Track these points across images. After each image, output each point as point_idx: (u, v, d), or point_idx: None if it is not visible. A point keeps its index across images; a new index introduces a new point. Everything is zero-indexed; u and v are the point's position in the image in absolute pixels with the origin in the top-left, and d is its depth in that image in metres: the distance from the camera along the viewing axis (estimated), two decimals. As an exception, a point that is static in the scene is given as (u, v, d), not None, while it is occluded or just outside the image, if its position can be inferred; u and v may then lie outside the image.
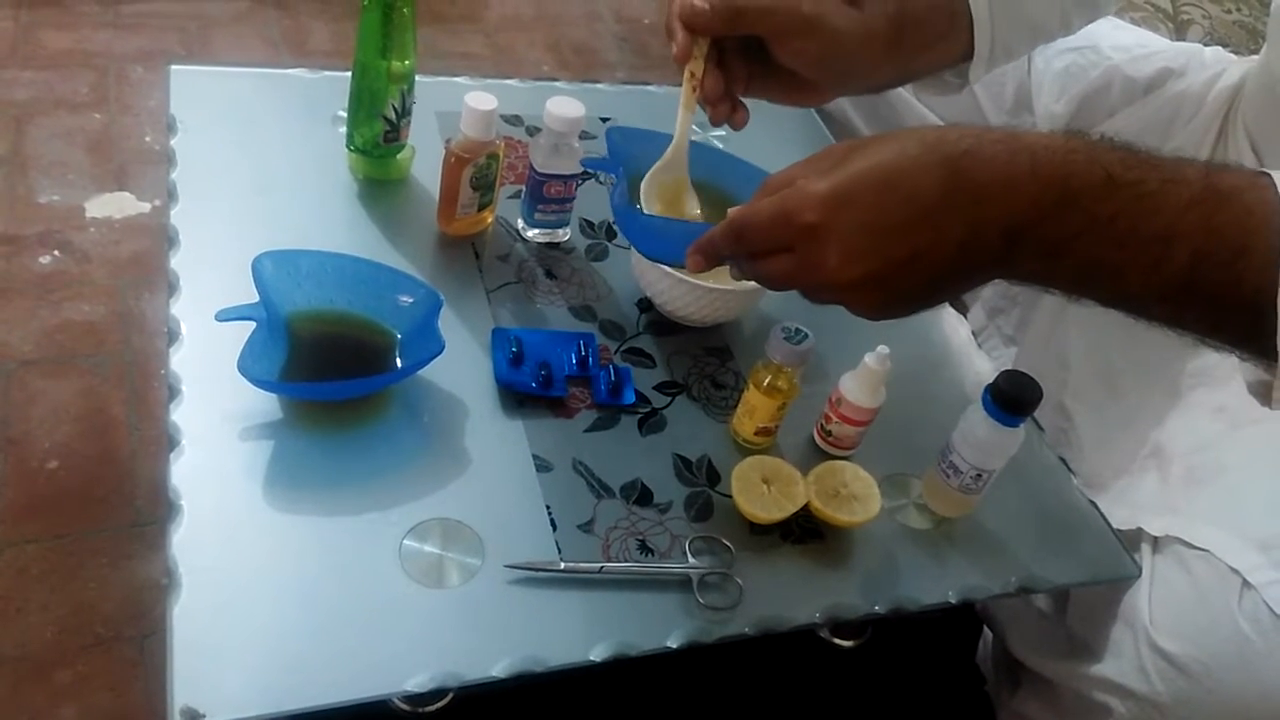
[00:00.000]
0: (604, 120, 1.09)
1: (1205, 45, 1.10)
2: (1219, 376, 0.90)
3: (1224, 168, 0.52)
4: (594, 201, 1.00)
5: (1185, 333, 0.55)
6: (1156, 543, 0.81)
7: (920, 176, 0.54)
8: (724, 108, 0.75)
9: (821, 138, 1.17)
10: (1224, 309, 0.52)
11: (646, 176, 0.80)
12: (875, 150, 0.56)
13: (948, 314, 1.01)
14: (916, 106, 1.14)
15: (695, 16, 0.72)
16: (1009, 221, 0.53)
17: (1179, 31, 1.56)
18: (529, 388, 0.81)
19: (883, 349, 0.79)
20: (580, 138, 0.90)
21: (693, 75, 0.75)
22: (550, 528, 0.73)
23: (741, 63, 0.76)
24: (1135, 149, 0.53)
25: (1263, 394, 0.55)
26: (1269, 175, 0.50)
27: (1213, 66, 1.04)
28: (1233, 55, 1.08)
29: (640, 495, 0.77)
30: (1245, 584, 0.74)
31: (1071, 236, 0.52)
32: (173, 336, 0.77)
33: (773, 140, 1.14)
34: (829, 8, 0.73)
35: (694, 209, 0.82)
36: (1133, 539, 0.83)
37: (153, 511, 1.09)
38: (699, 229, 0.65)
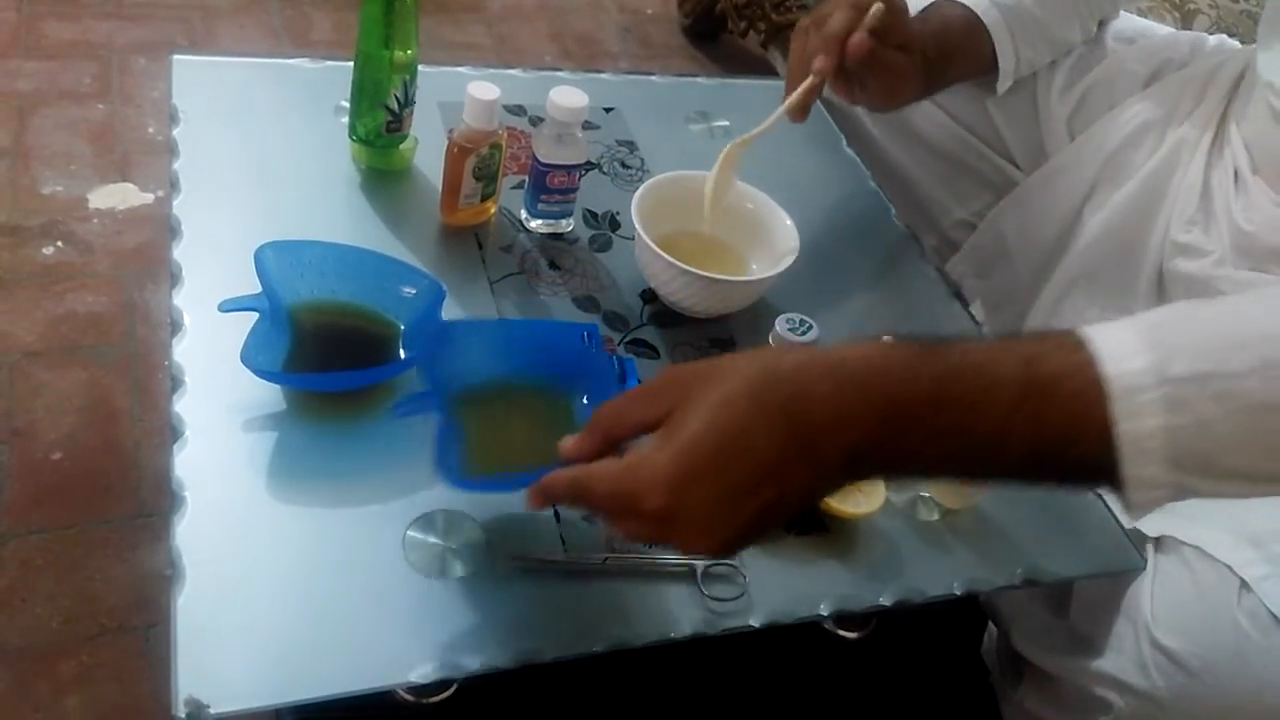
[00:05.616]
0: (607, 110, 1.08)
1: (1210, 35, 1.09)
2: None
3: (1042, 354, 0.50)
4: (597, 192, 1.00)
5: None
6: (1159, 540, 0.81)
7: (756, 435, 0.53)
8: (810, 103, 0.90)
9: (831, 134, 1.16)
10: (1071, 483, 0.53)
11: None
12: (704, 405, 0.55)
13: (952, 307, 1.00)
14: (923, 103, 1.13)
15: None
16: (848, 452, 0.53)
17: (1185, 21, 1.55)
18: (532, 379, 0.80)
19: (887, 340, 0.78)
20: (584, 128, 0.90)
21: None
22: (554, 519, 0.73)
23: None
24: (950, 354, 0.52)
25: None
26: (1086, 349, 0.49)
27: (1215, 56, 1.04)
28: (1236, 43, 1.08)
29: (644, 487, 0.77)
30: (1245, 582, 0.74)
31: (910, 451, 0.52)
32: (175, 327, 0.77)
33: (783, 138, 1.14)
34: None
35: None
36: (1133, 538, 0.83)
37: (157, 502, 1.09)
38: (530, 479, 0.61)
